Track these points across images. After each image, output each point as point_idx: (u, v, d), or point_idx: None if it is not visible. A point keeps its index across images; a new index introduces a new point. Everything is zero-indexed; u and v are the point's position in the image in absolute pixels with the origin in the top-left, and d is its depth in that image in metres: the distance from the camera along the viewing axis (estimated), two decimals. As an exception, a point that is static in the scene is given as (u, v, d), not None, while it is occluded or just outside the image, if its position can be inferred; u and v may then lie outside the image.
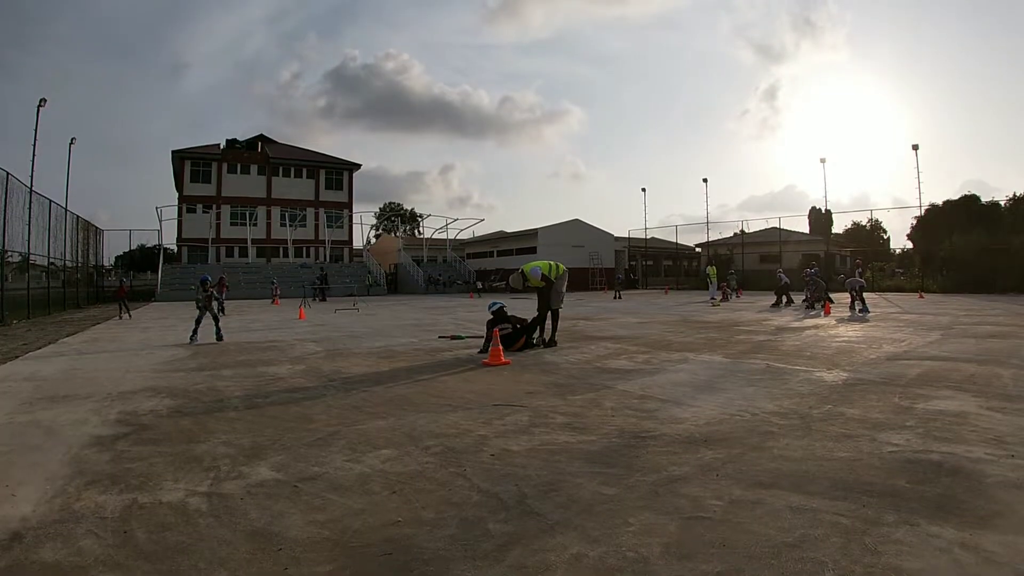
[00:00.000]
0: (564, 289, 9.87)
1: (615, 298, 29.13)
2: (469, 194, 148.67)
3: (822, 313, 16.29)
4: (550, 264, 9.75)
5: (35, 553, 2.49)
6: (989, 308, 16.44)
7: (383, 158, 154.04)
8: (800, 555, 2.35)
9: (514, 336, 9.08)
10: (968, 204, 37.73)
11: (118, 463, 3.76)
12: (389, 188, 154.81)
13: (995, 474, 3.24)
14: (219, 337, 11.24)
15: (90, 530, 2.72)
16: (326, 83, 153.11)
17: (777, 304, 20.46)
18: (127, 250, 49.87)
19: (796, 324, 13.41)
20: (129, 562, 2.42)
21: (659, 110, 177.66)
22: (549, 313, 9.70)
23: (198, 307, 11.37)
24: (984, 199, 37.98)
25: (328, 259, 50.58)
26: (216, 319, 11.57)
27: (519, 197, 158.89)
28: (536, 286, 9.58)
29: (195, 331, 11.26)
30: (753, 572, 2.24)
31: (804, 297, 21.13)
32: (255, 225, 49.52)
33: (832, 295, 19.06)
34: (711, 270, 26.36)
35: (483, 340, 9.18)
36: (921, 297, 25.12)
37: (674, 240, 51.57)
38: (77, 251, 26.33)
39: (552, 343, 9.59)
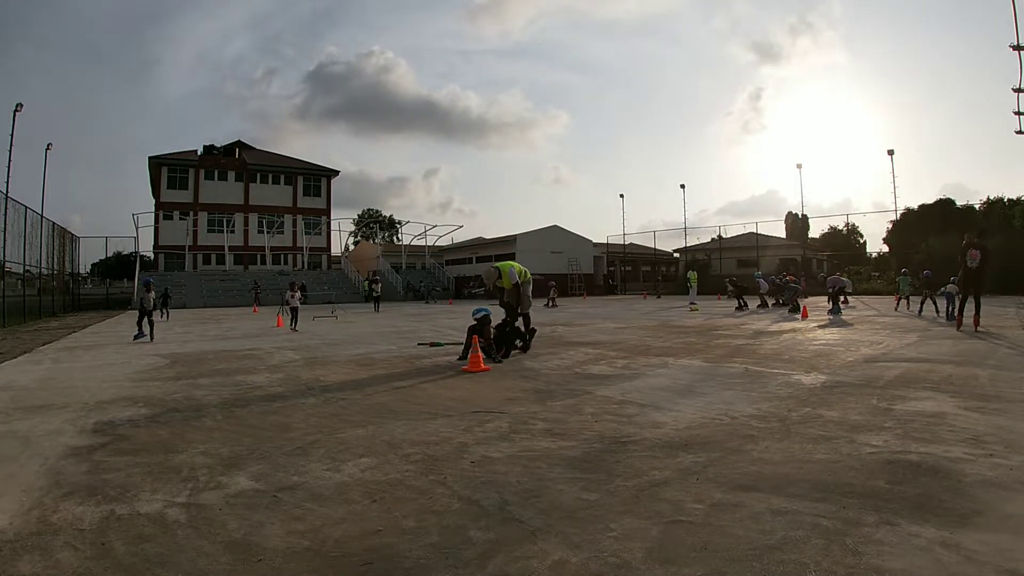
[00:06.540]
0: (530, 293, 9.89)
1: (547, 306, 26.33)
2: (451, 199, 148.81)
3: (799, 316, 16.47)
4: (522, 269, 9.83)
5: (12, 567, 2.43)
6: (966, 309, 16.63)
7: (364, 163, 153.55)
8: (782, 557, 2.35)
9: (504, 337, 9.08)
10: (943, 208, 38.55)
11: (95, 474, 3.67)
12: (370, 193, 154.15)
13: (974, 473, 3.28)
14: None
15: (68, 542, 2.66)
16: (305, 85, 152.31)
17: (763, 305, 21.51)
18: (103, 257, 49.17)
19: (774, 328, 13.54)
20: (107, 574, 2.37)
21: (642, 115, 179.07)
22: (520, 318, 9.70)
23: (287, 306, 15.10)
24: (961, 203, 38.88)
25: (306, 266, 50.19)
26: (295, 316, 15.43)
27: (501, 202, 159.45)
28: (506, 287, 9.54)
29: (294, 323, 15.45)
30: (736, 575, 2.23)
31: (781, 300, 21.55)
32: (232, 232, 49.07)
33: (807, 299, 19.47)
34: (691, 275, 26.74)
35: (462, 347, 9.13)
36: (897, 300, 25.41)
37: (652, 246, 51.83)
38: (53, 258, 25.88)
39: (526, 347, 9.60)
